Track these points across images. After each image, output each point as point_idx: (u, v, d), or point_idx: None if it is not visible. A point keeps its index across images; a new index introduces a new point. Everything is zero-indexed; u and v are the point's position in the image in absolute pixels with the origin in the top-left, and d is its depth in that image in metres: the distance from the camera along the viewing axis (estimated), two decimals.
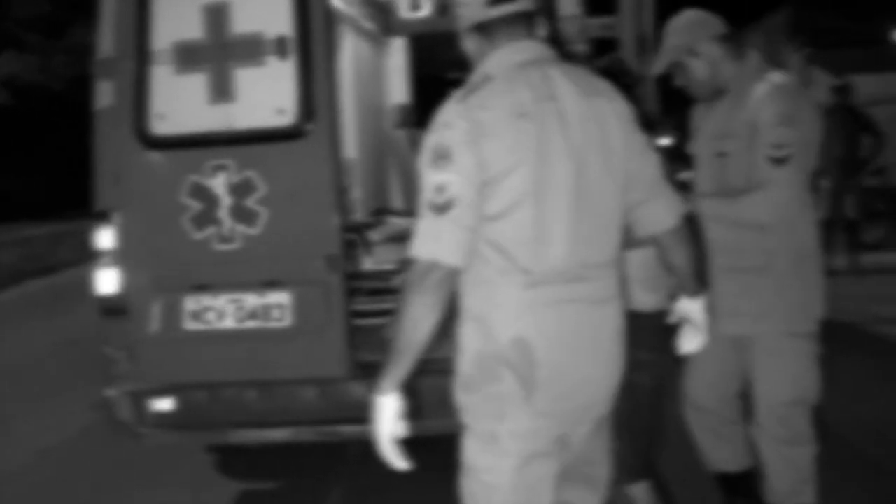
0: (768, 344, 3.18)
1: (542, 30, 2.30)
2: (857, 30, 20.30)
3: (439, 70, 7.96)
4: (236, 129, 3.70)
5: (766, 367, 3.19)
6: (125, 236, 3.78)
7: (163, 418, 3.84)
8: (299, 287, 3.69)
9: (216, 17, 3.66)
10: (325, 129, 3.67)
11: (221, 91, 3.68)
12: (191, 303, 3.76)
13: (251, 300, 3.73)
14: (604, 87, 2.32)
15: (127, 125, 3.73)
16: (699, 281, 2.61)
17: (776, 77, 3.12)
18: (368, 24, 6.17)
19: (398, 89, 7.12)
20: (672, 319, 2.71)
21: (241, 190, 3.68)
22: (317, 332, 3.69)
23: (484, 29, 2.24)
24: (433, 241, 2.11)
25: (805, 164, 3.08)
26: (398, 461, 2.18)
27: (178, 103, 3.72)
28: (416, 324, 2.11)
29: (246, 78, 3.67)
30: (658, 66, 3.27)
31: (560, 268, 2.17)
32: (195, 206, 3.70)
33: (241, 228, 3.69)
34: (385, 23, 6.46)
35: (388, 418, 2.15)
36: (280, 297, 3.70)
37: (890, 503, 3.91)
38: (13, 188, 21.45)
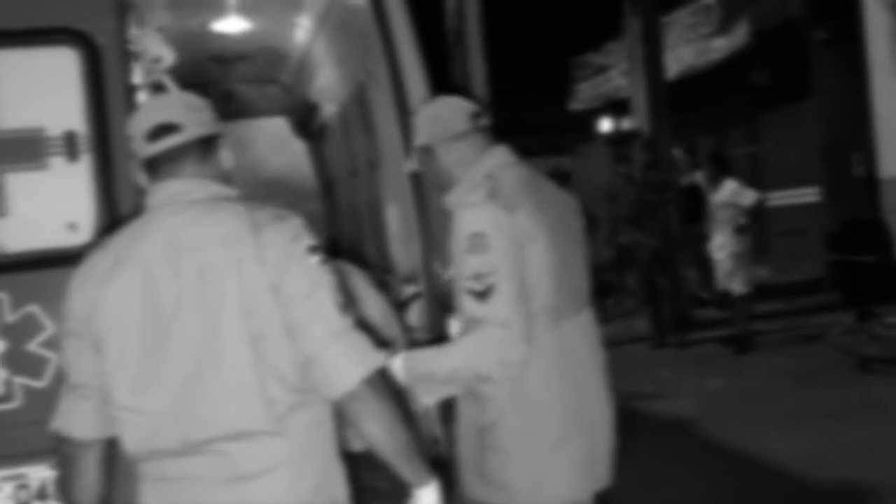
0: None
1: None
2: (515, 119, 22.05)
3: None
4: (8, 253, 2.85)
5: None
6: None
7: None
8: None
9: None
10: None
11: None
12: None
13: (38, 476, 2.83)
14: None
15: None
16: (421, 463, 2.01)
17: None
18: None
19: None
20: None
21: (19, 331, 2.81)
22: None
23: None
24: None
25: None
26: None
27: None
28: None
29: (20, 186, 2.85)
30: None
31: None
32: None
33: (22, 381, 2.81)
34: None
35: None
36: None
37: None
38: None
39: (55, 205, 2.89)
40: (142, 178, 2.08)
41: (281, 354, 1.90)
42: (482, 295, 2.30)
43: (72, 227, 2.87)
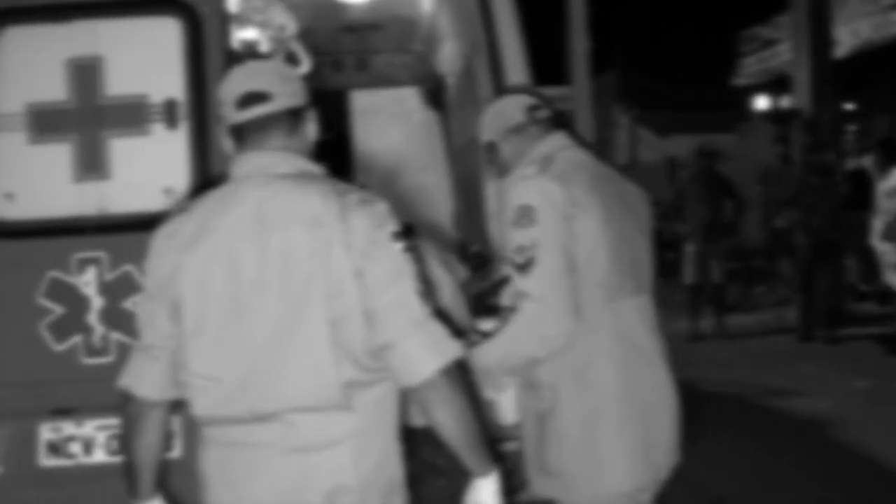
0: None
1: None
2: (677, 93, 21.42)
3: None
4: (110, 214, 2.99)
5: None
6: None
7: None
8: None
9: (85, 75, 2.95)
10: None
11: (91, 166, 2.97)
12: (48, 431, 2.99)
13: None
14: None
15: None
16: (485, 453, 2.00)
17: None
18: None
19: None
20: None
21: (116, 289, 2.95)
22: None
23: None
24: None
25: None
26: None
27: (34, 181, 2.98)
28: None
29: (123, 150, 2.98)
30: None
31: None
32: (56, 309, 2.96)
33: (117, 337, 2.96)
34: None
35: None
36: None
37: None
38: None
39: (154, 170, 3.01)
40: (228, 144, 2.09)
41: (357, 336, 1.91)
42: (523, 268, 2.32)
43: (168, 191, 2.98)
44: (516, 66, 3.20)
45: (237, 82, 2.05)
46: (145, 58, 3.00)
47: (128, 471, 2.15)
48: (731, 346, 8.86)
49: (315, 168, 2.06)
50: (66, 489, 2.98)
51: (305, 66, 5.63)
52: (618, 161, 24.13)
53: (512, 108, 2.66)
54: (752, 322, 9.93)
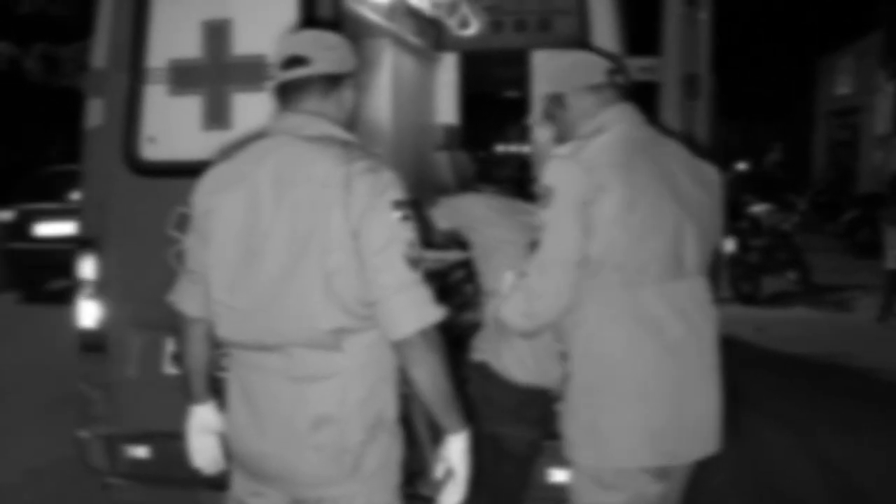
0: None
1: None
2: None
3: (493, 89, 7.56)
4: None
5: None
6: (107, 268, 3.49)
7: (137, 466, 3.53)
8: None
9: (216, 35, 3.32)
10: None
11: (216, 117, 3.34)
12: (172, 344, 3.44)
13: None
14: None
15: (115, 147, 3.42)
16: (456, 413, 2.16)
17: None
18: (414, 40, 5.79)
19: (447, 108, 6.73)
20: (438, 473, 2.21)
21: None
22: None
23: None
24: None
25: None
26: None
27: (171, 127, 3.40)
28: None
29: (244, 104, 3.33)
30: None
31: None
32: (182, 239, 3.35)
33: None
34: (436, 38, 6.07)
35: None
36: None
37: None
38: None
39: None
40: (274, 102, 2.29)
41: (349, 288, 2.11)
42: (531, 246, 2.41)
43: None
44: (605, 33, 3.19)
45: (284, 46, 2.28)
46: (265, 20, 3.31)
47: (184, 377, 2.48)
48: None
49: (341, 133, 2.24)
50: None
51: (474, 27, 5.81)
52: (876, 131, 22.21)
53: (592, 66, 2.59)
54: None
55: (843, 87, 25.39)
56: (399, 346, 2.12)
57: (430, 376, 2.11)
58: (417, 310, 2.11)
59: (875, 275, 9.39)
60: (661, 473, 2.42)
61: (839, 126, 25.73)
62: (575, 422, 2.46)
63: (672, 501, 2.52)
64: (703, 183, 2.52)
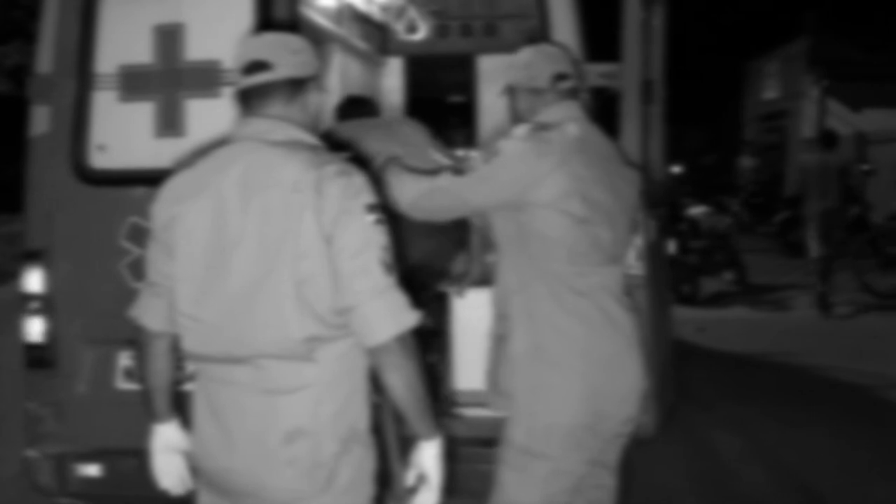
0: None
1: None
2: (874, 62, 19.91)
3: (438, 93, 7.55)
4: None
5: None
6: (55, 281, 3.37)
7: (88, 485, 3.42)
8: None
9: (168, 40, 3.24)
10: None
11: (170, 124, 3.26)
12: (125, 359, 3.35)
13: None
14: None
15: (63, 156, 3.31)
16: (430, 419, 2.15)
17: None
18: (361, 44, 5.75)
19: (393, 112, 6.70)
20: (409, 480, 2.20)
21: None
22: None
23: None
24: None
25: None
26: None
27: (122, 135, 3.31)
28: None
29: (199, 110, 3.25)
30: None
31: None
32: (135, 250, 3.28)
33: None
34: (382, 43, 6.05)
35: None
36: None
37: None
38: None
39: (224, 129, 3.24)
40: (236, 108, 2.24)
41: (321, 296, 2.05)
42: (456, 171, 2.80)
43: None
44: (566, 39, 3.20)
45: (246, 51, 2.22)
46: (219, 26, 3.24)
47: (144, 394, 2.39)
48: None
49: (308, 138, 2.19)
50: (138, 410, 3.33)
51: (422, 32, 5.80)
52: (803, 134, 22.82)
53: (540, 70, 2.75)
54: None
55: (770, 92, 26.00)
56: (375, 353, 2.08)
57: (406, 382, 2.08)
58: (394, 315, 2.07)
59: (808, 274, 9.66)
60: (588, 436, 2.62)
61: (767, 130, 26.34)
62: (520, 378, 2.64)
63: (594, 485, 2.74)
64: (629, 181, 2.79)
